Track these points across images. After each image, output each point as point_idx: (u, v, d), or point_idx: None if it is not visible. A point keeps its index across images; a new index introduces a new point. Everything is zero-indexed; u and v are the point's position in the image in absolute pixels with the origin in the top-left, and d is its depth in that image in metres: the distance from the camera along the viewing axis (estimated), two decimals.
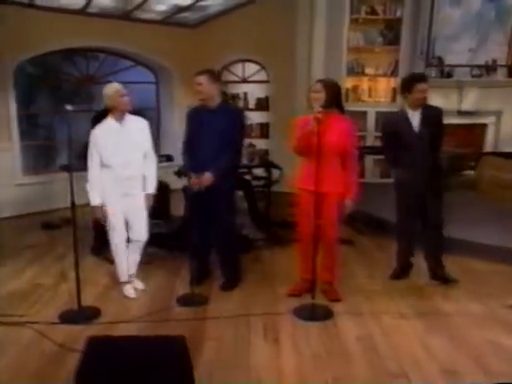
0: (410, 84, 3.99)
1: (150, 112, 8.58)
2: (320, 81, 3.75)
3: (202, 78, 3.86)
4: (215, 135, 3.86)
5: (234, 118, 3.97)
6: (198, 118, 3.94)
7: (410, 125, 4.02)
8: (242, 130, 4.09)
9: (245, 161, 6.15)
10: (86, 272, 4.27)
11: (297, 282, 4.03)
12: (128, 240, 4.00)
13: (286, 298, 3.96)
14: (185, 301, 3.91)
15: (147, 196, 3.97)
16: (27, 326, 3.49)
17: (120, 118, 3.79)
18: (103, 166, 3.79)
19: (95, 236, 5.00)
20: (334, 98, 3.67)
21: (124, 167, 3.81)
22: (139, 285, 4.18)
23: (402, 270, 4.39)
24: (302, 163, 3.81)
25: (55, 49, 6.84)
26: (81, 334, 3.33)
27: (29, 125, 7.27)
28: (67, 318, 3.62)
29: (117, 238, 3.92)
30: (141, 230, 3.98)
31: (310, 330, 3.47)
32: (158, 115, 8.44)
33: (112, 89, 3.73)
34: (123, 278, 4.05)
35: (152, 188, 3.98)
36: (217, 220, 4.04)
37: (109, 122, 3.80)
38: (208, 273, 4.34)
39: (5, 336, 3.39)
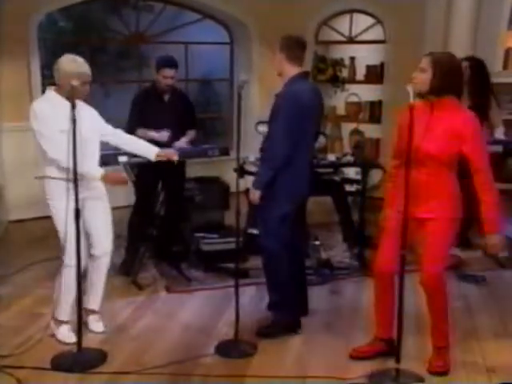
0: None
1: (220, 84, 8.78)
2: (430, 54, 3.62)
3: None
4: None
5: None
6: None
7: None
8: None
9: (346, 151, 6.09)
10: (103, 299, 4.36)
11: (369, 341, 3.96)
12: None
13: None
14: (225, 349, 3.98)
15: None
16: (6, 372, 3.61)
17: None
18: None
19: (127, 248, 5.36)
20: (448, 81, 3.52)
21: None
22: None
23: None
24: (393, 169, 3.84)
25: None
26: None
27: None
28: (61, 363, 3.76)
29: None
30: None
31: None
32: (232, 87, 8.56)
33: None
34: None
35: None
36: None
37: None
38: None
39: None
